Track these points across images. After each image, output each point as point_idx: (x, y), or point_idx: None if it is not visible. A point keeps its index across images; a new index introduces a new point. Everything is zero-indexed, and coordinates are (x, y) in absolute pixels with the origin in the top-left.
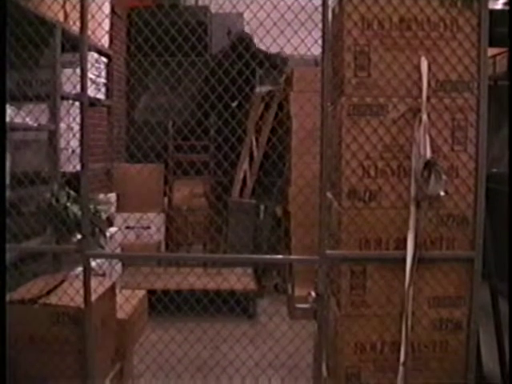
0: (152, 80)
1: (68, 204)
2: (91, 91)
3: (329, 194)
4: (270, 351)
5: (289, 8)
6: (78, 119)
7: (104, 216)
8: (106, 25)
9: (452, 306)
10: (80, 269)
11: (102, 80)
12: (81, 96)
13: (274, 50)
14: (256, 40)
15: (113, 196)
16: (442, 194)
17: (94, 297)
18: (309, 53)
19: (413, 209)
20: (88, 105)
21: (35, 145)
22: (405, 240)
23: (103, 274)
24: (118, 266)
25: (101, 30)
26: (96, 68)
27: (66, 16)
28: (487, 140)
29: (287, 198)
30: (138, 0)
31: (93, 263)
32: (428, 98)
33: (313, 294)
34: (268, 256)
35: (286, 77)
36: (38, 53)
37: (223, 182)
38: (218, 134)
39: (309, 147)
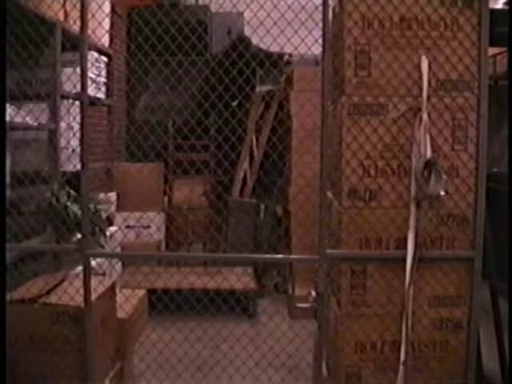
0: (152, 79)
1: (68, 203)
2: (91, 90)
3: (329, 194)
4: (271, 351)
5: (289, 7)
6: (78, 118)
7: (104, 215)
8: (106, 24)
9: (452, 306)
10: (80, 268)
11: (103, 79)
12: (81, 95)
13: (274, 49)
14: (256, 39)
15: (113, 195)
16: (443, 193)
17: (94, 296)
18: (309, 52)
19: (413, 208)
20: (88, 104)
21: (35, 144)
22: (405, 239)
23: (103, 274)
24: (118, 266)
25: (101, 29)
26: (96, 67)
27: (66, 15)
28: (487, 139)
29: (287, 197)
30: None
31: (93, 262)
32: (428, 98)
33: (313, 293)
34: (268, 255)
35: (286, 76)
36: (38, 52)
37: (223, 181)
38: (218, 134)
39: (309, 147)
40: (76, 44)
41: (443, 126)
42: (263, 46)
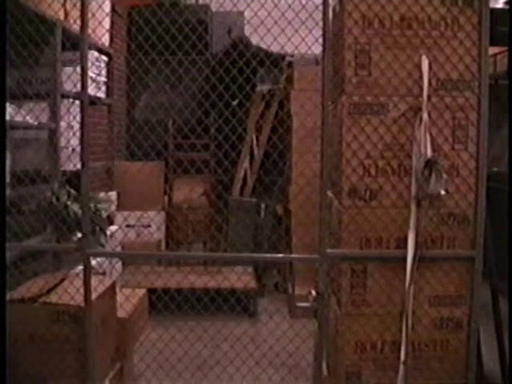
0: (152, 78)
1: (68, 202)
2: (91, 90)
3: (329, 193)
4: (271, 350)
5: (289, 7)
6: (78, 118)
7: (104, 214)
8: (107, 23)
9: (452, 305)
10: (80, 267)
11: (103, 78)
12: (81, 94)
13: (274, 49)
14: (257, 39)
15: (113, 194)
16: (443, 192)
17: (94, 295)
18: (309, 51)
19: (413, 208)
20: (88, 103)
21: (35, 143)
22: (405, 239)
23: (103, 273)
24: (119, 265)
25: (101, 29)
26: (96, 66)
27: (67, 14)
28: (488, 139)
29: (288, 196)
30: None
31: (93, 262)
32: (429, 97)
33: (313, 292)
34: (268, 255)
35: (286, 75)
36: (39, 51)
37: (224, 180)
38: (218, 133)
39: (309, 146)
40: (76, 43)
41: (443, 125)
42: (263, 46)
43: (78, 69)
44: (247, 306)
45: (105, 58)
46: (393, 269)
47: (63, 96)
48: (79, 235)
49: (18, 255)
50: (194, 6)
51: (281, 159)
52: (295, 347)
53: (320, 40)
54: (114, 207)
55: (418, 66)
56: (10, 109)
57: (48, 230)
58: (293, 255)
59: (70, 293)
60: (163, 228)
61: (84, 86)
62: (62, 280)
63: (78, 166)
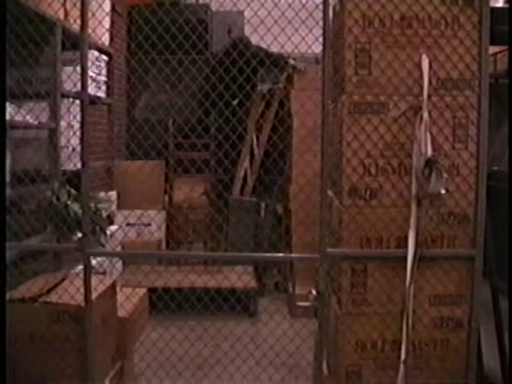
0: (152, 78)
1: (68, 202)
2: (92, 89)
3: (330, 192)
4: (271, 349)
5: (289, 6)
6: (78, 117)
7: (104, 214)
8: (107, 23)
9: (453, 304)
10: (80, 267)
11: (103, 78)
12: (81, 94)
13: (275, 48)
14: (257, 38)
15: (113, 194)
16: (443, 192)
17: (94, 295)
18: (310, 51)
19: (414, 207)
20: (88, 103)
21: (36, 143)
22: (406, 238)
23: (104, 273)
24: (119, 264)
25: (101, 28)
26: (96, 66)
27: (67, 14)
28: (488, 138)
29: (288, 196)
30: None
31: (93, 261)
32: (429, 96)
33: (313, 292)
34: (269, 254)
35: (286, 75)
36: (39, 51)
37: (224, 179)
38: (218, 132)
39: (309, 145)
40: (76, 43)
41: (444, 124)
42: (264, 45)
43: (78, 68)
44: (247, 306)
45: (105, 57)
46: (393, 268)
47: (63, 95)
48: (79, 235)
49: (18, 255)
50: (194, 5)
51: (281, 158)
52: (295, 347)
53: (320, 39)
54: (114, 207)
55: (419, 65)
56: (10, 108)
57: (48, 230)
58: (293, 255)
59: (71, 292)
60: (163, 227)
61: (84, 86)
62: (63, 280)
63: (78, 165)
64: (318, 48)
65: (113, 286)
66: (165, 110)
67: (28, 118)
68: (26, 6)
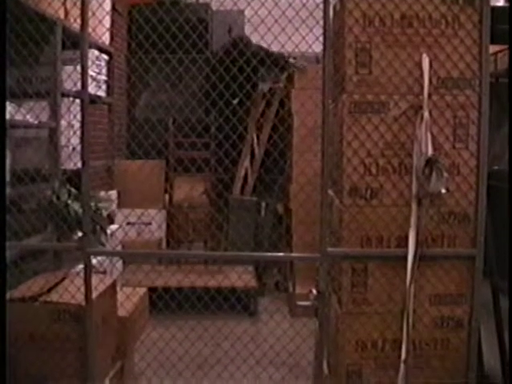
0: (153, 77)
1: (69, 201)
2: (92, 88)
3: (330, 192)
4: (271, 349)
5: (290, 5)
6: (78, 116)
7: (105, 213)
8: (107, 22)
9: (453, 304)
10: (81, 266)
11: (103, 77)
12: (81, 93)
13: (275, 47)
14: (257, 37)
15: (114, 193)
16: (444, 191)
17: (94, 294)
18: (310, 50)
19: (414, 206)
20: (89, 102)
21: (36, 142)
22: (406, 238)
23: (104, 272)
24: (119, 264)
25: (101, 28)
26: (97, 65)
27: (67, 13)
28: (488, 137)
29: (288, 195)
30: None
31: (94, 261)
32: (429, 95)
33: (314, 291)
34: (269, 253)
35: (287, 74)
36: (39, 50)
37: (224, 179)
38: (218, 131)
39: (310, 145)
40: (76, 42)
41: (444, 123)
42: (264, 44)
43: (79, 67)
44: (248, 305)
45: (105, 56)
46: (393, 267)
47: (63, 95)
48: (80, 234)
49: (19, 254)
50: (194, 4)
51: (281, 158)
52: (296, 346)
53: (321, 38)
54: (114, 206)
55: (419, 65)
56: (10, 108)
57: (48, 229)
58: (293, 254)
59: (71, 292)
60: (164, 227)
61: (84, 85)
62: (63, 279)
63: (79, 164)
64: (318, 47)
65: (113, 286)
66: (165, 109)
67: (28, 117)
68: (26, 5)
